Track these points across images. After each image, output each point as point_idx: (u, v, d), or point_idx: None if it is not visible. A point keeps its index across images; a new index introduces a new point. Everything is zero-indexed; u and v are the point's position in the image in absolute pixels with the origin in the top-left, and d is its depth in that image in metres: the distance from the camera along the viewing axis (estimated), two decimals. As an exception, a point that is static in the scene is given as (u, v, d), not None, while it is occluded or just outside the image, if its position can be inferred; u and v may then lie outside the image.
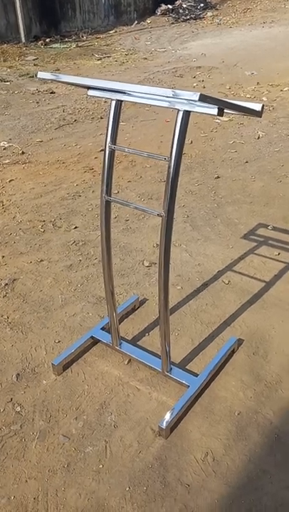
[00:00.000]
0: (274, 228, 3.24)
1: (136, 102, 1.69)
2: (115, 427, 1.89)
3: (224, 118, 5.53)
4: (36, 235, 3.22)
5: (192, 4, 12.84)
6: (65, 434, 1.86)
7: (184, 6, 12.77)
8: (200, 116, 5.54)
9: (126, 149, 1.81)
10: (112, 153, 1.75)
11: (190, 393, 1.92)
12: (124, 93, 1.67)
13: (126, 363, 2.16)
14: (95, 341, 2.27)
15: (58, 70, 8.02)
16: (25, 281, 2.74)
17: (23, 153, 4.68)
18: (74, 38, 10.62)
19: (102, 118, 5.70)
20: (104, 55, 9.07)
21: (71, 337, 2.33)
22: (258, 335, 2.30)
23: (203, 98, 1.29)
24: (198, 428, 1.87)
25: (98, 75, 7.57)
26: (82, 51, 9.50)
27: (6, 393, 2.05)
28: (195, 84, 6.91)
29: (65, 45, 9.89)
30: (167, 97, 1.45)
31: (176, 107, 1.53)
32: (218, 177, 4.04)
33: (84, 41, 10.40)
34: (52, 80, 1.69)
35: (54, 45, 9.88)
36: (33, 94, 6.70)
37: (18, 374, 2.13)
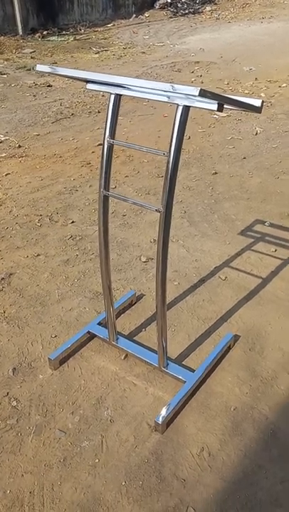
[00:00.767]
0: (271, 225, 3.24)
1: (135, 97, 1.68)
2: (111, 421, 1.89)
3: (222, 114, 5.52)
4: (33, 230, 3.20)
5: (191, -1, 12.78)
6: (61, 429, 1.87)
7: (183, 0, 12.70)
8: (198, 112, 5.52)
9: (125, 144, 1.79)
10: (110, 147, 1.74)
11: (186, 389, 1.93)
12: (123, 87, 1.66)
13: (122, 358, 2.16)
14: (91, 336, 2.27)
15: (55, 63, 7.97)
16: (21, 276, 2.73)
17: (19, 146, 4.66)
18: (72, 31, 10.56)
19: (99, 112, 5.68)
20: (102, 49, 9.02)
21: (68, 332, 2.33)
22: (254, 331, 2.31)
23: (203, 93, 1.28)
24: (194, 423, 1.87)
25: (96, 69, 7.53)
26: (79, 44, 9.44)
27: (2, 387, 2.05)
28: (193, 80, 6.88)
29: (62, 38, 9.83)
30: (167, 91, 1.44)
31: (175, 102, 1.52)
32: (215, 173, 4.04)
33: (81, 34, 10.33)
34: (50, 73, 1.67)
35: (51, 38, 9.81)
36: (30, 87, 6.66)
37: (15, 368, 2.13)
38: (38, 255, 2.92)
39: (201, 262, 2.83)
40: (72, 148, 4.63)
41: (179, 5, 12.61)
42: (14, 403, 1.97)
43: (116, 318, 2.21)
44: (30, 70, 7.40)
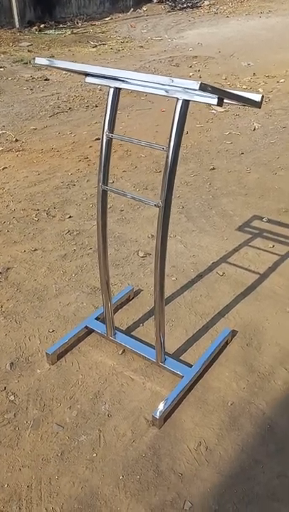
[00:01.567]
0: (269, 220, 3.24)
1: (134, 91, 1.67)
2: (109, 416, 1.89)
3: (220, 108, 5.50)
4: (30, 224, 3.19)
5: (189, -8, 12.72)
6: (58, 423, 1.87)
7: (181, -6, 12.64)
8: (196, 107, 5.51)
9: (124, 138, 1.79)
10: (109, 141, 1.73)
11: (184, 383, 1.93)
12: (123, 81, 1.65)
13: (120, 353, 2.16)
14: (89, 331, 2.26)
15: (53, 56, 7.92)
16: (19, 271, 2.73)
17: (16, 140, 4.63)
18: (69, 24, 10.49)
19: (97, 106, 5.66)
20: (100, 43, 8.97)
21: (65, 326, 2.32)
22: (251, 326, 2.31)
23: (204, 87, 1.27)
24: (192, 418, 1.88)
25: (93, 63, 7.49)
26: (77, 38, 9.39)
27: (-1, 382, 2.05)
28: (191, 74, 6.86)
29: (59, 32, 9.76)
30: (166, 85, 1.43)
31: (175, 96, 1.51)
32: (213, 168, 4.03)
33: (79, 28, 10.27)
34: (49, 66, 1.66)
35: (48, 32, 9.75)
36: (27, 80, 6.62)
37: (12, 363, 2.13)
38: (36, 250, 2.91)
39: (198, 257, 2.83)
40: (70, 143, 4.61)
41: (178, -1, 12.55)
42: (12, 397, 1.97)
43: (114, 314, 2.21)
44: (27, 63, 7.36)
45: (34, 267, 2.76)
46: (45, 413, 1.91)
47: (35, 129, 4.95)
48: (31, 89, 6.24)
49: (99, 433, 1.83)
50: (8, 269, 2.74)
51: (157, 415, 1.81)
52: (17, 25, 9.76)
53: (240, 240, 3.00)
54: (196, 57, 7.79)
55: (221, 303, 2.47)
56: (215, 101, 1.46)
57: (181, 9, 12.28)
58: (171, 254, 2.85)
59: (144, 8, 12.29)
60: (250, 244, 2.97)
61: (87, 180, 3.81)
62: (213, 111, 5.47)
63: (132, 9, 12.07)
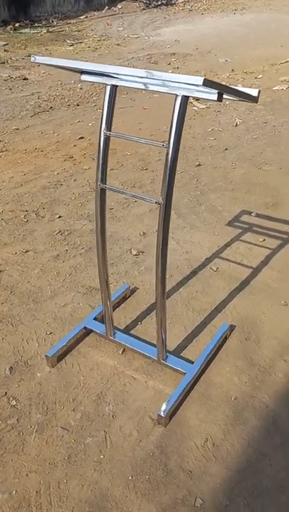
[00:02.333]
0: (257, 215, 3.27)
1: (131, 87, 1.66)
2: (114, 416, 1.88)
3: (201, 105, 5.53)
4: (19, 225, 3.15)
5: (163, -10, 12.71)
6: (63, 426, 1.85)
7: (155, -9, 12.62)
8: (177, 104, 5.51)
9: (122, 136, 1.77)
10: (107, 139, 1.72)
11: (187, 380, 1.93)
12: (119, 78, 1.63)
13: (120, 352, 2.15)
14: (87, 332, 2.24)
15: (30, 55, 7.82)
16: (11, 273, 2.69)
17: (-1, 141, 4.57)
18: (44, 23, 10.38)
19: (78, 105, 5.61)
20: (77, 41, 8.90)
21: (63, 328, 2.30)
22: (248, 320, 2.32)
23: (207, 83, 1.27)
24: (197, 414, 1.88)
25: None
26: (53, 37, 9.30)
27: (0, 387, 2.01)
28: (170, 71, 6.86)
29: (35, 31, 9.65)
30: (169, 81, 1.42)
31: (174, 92, 1.50)
32: (199, 164, 4.04)
33: (54, 26, 10.17)
34: (47, 65, 1.63)
35: (24, 31, 9.63)
36: (5, 80, 6.53)
37: (11, 367, 2.10)
38: (27, 251, 2.87)
39: (191, 253, 2.84)
40: (54, 142, 4.56)
41: (152, -4, 12.53)
42: (13, 402, 1.94)
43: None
44: (4, 63, 7.25)
45: (27, 269, 2.72)
46: (49, 417, 1.89)
47: (17, 129, 4.88)
48: (10, 89, 6.16)
49: (105, 434, 1.82)
50: (0, 271, 2.69)
51: (163, 414, 1.81)
52: (-9, 25, 9.62)
53: (231, 235, 3.02)
54: (174, 54, 7.79)
55: (217, 298, 2.47)
56: (214, 96, 1.46)
57: (155, 6, 12.27)
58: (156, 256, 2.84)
59: (119, 6, 12.24)
60: (241, 238, 2.99)
61: (74, 180, 3.78)
62: (195, 108, 5.48)
63: (106, 7, 12.00)
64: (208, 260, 2.78)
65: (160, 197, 1.65)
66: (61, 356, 2.13)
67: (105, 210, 1.87)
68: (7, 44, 8.53)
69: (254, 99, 1.58)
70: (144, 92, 6.05)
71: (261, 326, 2.29)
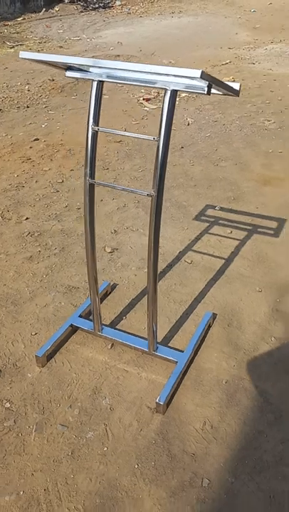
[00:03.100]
0: (221, 208, 3.38)
1: (118, 83, 1.69)
2: (111, 409, 1.90)
3: (152, 105, 5.62)
4: (-14, 229, 3.08)
5: (100, -7, 12.74)
6: (62, 423, 1.84)
7: (92, -6, 12.62)
8: (128, 104, 5.58)
9: (111, 131, 1.79)
10: (94, 135, 1.74)
11: (180, 368, 1.98)
12: (107, 73, 1.66)
13: (109, 347, 2.17)
14: (73, 330, 2.25)
15: None
16: (-15, 277, 2.63)
17: None
18: (-20, 24, 10.09)
19: (28, 107, 5.53)
20: (17, 43, 8.74)
21: (47, 328, 2.28)
22: (228, 308, 2.41)
23: (205, 76, 1.33)
24: (192, 400, 1.94)
25: (15, 64, 7.29)
26: (-9, 39, 9.06)
27: (-10, 391, 1.97)
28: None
29: (-28, 33, 9.37)
30: (163, 74, 1.47)
31: (164, 87, 1.55)
32: (158, 163, 4.11)
33: (-9, 28, 9.91)
34: (34, 60, 1.63)
35: None
36: None
37: (0, 370, 2.06)
38: (-2, 254, 2.82)
39: (164, 248, 2.90)
40: (8, 145, 4.48)
41: (89, -1, 12.53)
42: (7, 405, 1.91)
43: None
44: None
45: (0, 272, 2.67)
46: (46, 415, 1.88)
47: None
48: None
49: (105, 427, 1.83)
50: (-28, 276, 2.63)
51: (161, 401, 1.85)
52: None
53: (199, 229, 3.11)
54: (118, 56, 7.84)
55: (195, 289, 2.55)
56: (204, 90, 1.52)
57: (93, 9, 12.27)
58: (138, 248, 2.89)
59: (57, 8, 12.13)
60: (209, 231, 3.09)
61: (36, 181, 3.73)
62: (146, 108, 5.56)
63: (44, 9, 11.86)
64: (182, 254, 2.85)
65: (152, 189, 1.69)
66: (50, 355, 2.12)
67: (94, 206, 1.89)
68: None
69: (236, 93, 1.66)
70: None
71: (241, 312, 2.38)
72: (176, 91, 1.56)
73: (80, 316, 2.26)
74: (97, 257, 2.75)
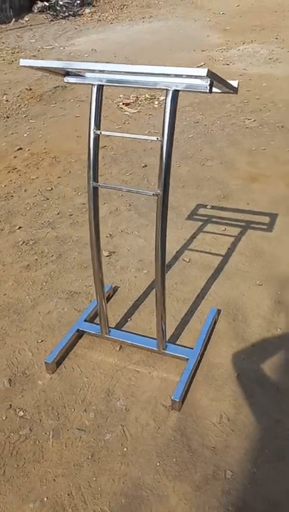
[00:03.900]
0: (213, 207, 3.42)
1: (119, 86, 1.70)
2: (127, 410, 1.91)
3: (132, 110, 5.66)
4: (-20, 240, 3.05)
5: (68, 1, 12.75)
6: (79, 428, 1.84)
7: (61, 3, 12.62)
8: (108, 110, 5.60)
9: (113, 134, 1.81)
10: (96, 138, 1.75)
11: (191, 364, 2.00)
12: (102, 77, 1.67)
13: (118, 349, 2.17)
14: (79, 335, 2.24)
15: None
16: (-16, 288, 2.60)
17: None
18: None
19: (8, 117, 5.50)
20: (-10, 55, 8.68)
21: (53, 334, 2.28)
22: (231, 303, 2.44)
23: (210, 74, 1.36)
24: (206, 395, 1.95)
25: (-10, 75, 7.24)
26: None
27: (2, 401, 1.96)
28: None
29: None
30: (169, 74, 1.48)
31: (166, 87, 1.57)
32: (145, 165, 4.14)
33: None
34: (33, 67, 1.63)
35: None
36: None
37: (10, 379, 2.04)
38: (-4, 265, 2.80)
39: (161, 248, 2.91)
40: (-8, 156, 4.44)
41: (58, 8, 12.52)
42: (21, 413, 1.90)
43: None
44: None
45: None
46: (62, 421, 1.87)
47: None
48: None
49: (122, 428, 1.84)
50: (-28, 288, 2.60)
51: (177, 398, 1.86)
52: None
53: (194, 228, 3.14)
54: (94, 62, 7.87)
55: (196, 287, 2.57)
56: (206, 88, 1.54)
57: (63, 18, 12.28)
58: (135, 250, 2.91)
59: (26, 18, 12.10)
60: (204, 230, 3.12)
61: (25, 190, 3.72)
62: (126, 113, 5.59)
63: (13, 19, 11.82)
64: (179, 253, 2.88)
65: (157, 189, 1.71)
66: (59, 361, 2.11)
67: (98, 209, 1.90)
68: None
69: (235, 90, 1.70)
70: (71, 100, 6.08)
71: (244, 307, 2.42)
72: (178, 91, 1.59)
73: (86, 321, 2.26)
74: (95, 261, 2.77)
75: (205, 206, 3.44)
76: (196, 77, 1.43)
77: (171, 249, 2.91)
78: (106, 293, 2.44)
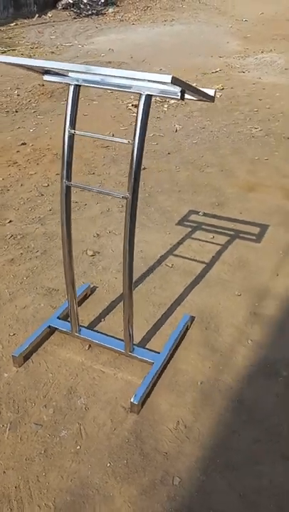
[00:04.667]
0: (204, 214, 3.42)
1: (94, 87, 1.72)
2: (86, 409, 1.92)
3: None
4: None
5: (92, 0, 12.84)
6: (36, 422, 1.86)
7: (85, 1, 12.71)
8: (118, 110, 5.62)
9: (86, 134, 1.83)
10: (71, 137, 1.77)
11: (155, 369, 2.01)
12: (83, 77, 1.69)
13: (86, 348, 2.19)
14: (51, 331, 2.26)
15: None
16: None
17: None
18: (-27, 29, 10.14)
19: (17, 112, 5.55)
20: (9, 48, 8.78)
21: (26, 329, 2.30)
22: (207, 311, 2.44)
23: (175, 81, 1.36)
24: (166, 400, 1.96)
25: (6, 68, 7.32)
26: (-16, 43, 9.11)
27: None
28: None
29: None
30: (136, 79, 1.50)
31: (138, 91, 1.59)
32: (144, 168, 4.15)
33: (-16, 33, 9.96)
34: (8, 63, 1.66)
35: None
36: None
37: (-23, 370, 2.07)
38: (-20, 256, 2.83)
39: (146, 252, 2.93)
40: (-5, 149, 4.50)
41: (82, 6, 12.60)
42: (-18, 404, 1.92)
43: (75, 310, 2.23)
44: None
45: (-18, 274, 2.68)
46: (21, 414, 1.89)
47: None
48: None
49: (79, 426, 1.85)
50: None
51: (136, 401, 1.87)
52: None
53: (182, 234, 3.14)
54: (109, 62, 7.91)
55: (175, 292, 2.58)
56: (178, 95, 1.55)
57: (86, 16, 12.36)
58: (120, 251, 2.89)
59: (50, 15, 12.21)
60: (191, 236, 3.12)
61: (21, 185, 3.76)
62: (134, 114, 5.60)
63: (36, 15, 11.93)
64: (163, 258, 2.88)
65: (126, 192, 1.72)
66: (27, 356, 2.14)
67: (70, 208, 1.92)
68: None
69: (211, 99, 1.70)
70: (82, 99, 6.12)
71: (219, 316, 2.41)
72: (151, 96, 1.60)
73: (59, 318, 2.28)
74: (78, 259, 2.80)
75: (197, 213, 3.44)
76: (163, 83, 1.44)
77: (155, 253, 2.92)
78: (83, 292, 2.47)
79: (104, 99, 5.94)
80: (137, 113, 1.61)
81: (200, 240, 3.08)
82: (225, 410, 1.92)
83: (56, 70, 1.69)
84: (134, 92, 1.62)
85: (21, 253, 2.88)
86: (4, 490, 1.63)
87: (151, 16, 12.55)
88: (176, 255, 2.91)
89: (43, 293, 2.54)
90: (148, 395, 1.96)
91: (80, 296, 2.46)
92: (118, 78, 1.59)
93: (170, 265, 2.80)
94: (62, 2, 12.73)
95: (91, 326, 2.33)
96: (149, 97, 1.59)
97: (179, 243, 3.04)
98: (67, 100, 1.74)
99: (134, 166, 1.66)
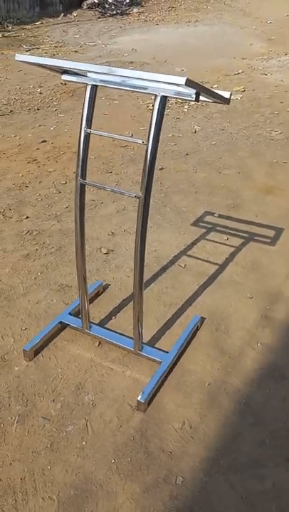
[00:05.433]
0: (220, 216, 3.42)
1: (111, 87, 1.74)
2: (93, 405, 1.94)
3: (161, 112, 5.68)
4: (-13, 226, 3.15)
5: (118, 0, 12.90)
6: (44, 416, 1.89)
7: (110, 1, 12.78)
8: (138, 110, 5.64)
9: (102, 133, 1.85)
10: (87, 136, 1.79)
11: (163, 368, 2.02)
12: (100, 78, 1.71)
13: (96, 345, 2.21)
14: (62, 327, 2.29)
15: (-14, 59, 7.75)
16: (-18, 272, 2.69)
17: None
18: (-1, 27, 10.27)
19: (38, 109, 5.62)
20: (33, 47, 8.88)
21: (38, 324, 2.33)
22: (218, 313, 2.44)
23: (189, 83, 1.37)
24: (173, 400, 1.97)
25: (30, 66, 7.40)
26: (9, 41, 9.23)
27: (-23, 382, 2.02)
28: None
29: (-10, 35, 9.54)
30: (152, 80, 1.51)
31: (154, 93, 1.60)
32: (162, 168, 4.16)
33: (10, 31, 10.09)
34: (29, 63, 1.69)
35: (-22, 34, 9.50)
36: None
37: (-12, 362, 2.11)
38: (-4, 251, 2.88)
39: (159, 251, 2.94)
40: (16, 145, 4.56)
41: (107, 6, 12.67)
42: (-8, 396, 1.96)
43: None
44: None
45: (-3, 268, 2.73)
46: (29, 408, 1.92)
47: (-22, 132, 4.84)
48: None
49: (86, 422, 1.87)
50: None
51: (142, 399, 1.88)
52: None
53: (196, 234, 3.15)
54: (131, 62, 7.94)
55: (186, 293, 2.58)
56: (192, 97, 1.56)
57: (111, 16, 12.41)
58: (133, 250, 2.93)
59: (75, 14, 12.30)
60: (206, 237, 3.12)
61: (40, 182, 3.80)
62: (154, 114, 5.61)
63: (62, 14, 12.03)
64: (176, 258, 2.89)
65: (140, 191, 1.73)
66: (38, 350, 2.17)
67: (85, 206, 1.94)
68: None
69: (226, 101, 1.71)
70: (103, 98, 6.16)
71: (229, 318, 2.41)
72: (166, 97, 1.61)
73: (70, 314, 2.30)
74: (92, 257, 2.83)
75: (213, 214, 3.43)
76: (178, 85, 1.45)
77: (169, 253, 2.93)
78: (96, 289, 2.49)
79: (125, 99, 5.96)
80: (152, 114, 1.62)
81: (214, 241, 3.08)
82: (231, 412, 1.92)
83: (74, 70, 1.71)
84: (149, 93, 1.63)
85: (36, 249, 2.92)
86: (10, 481, 1.66)
87: (176, 17, 12.54)
88: (190, 256, 2.91)
89: (56, 289, 2.57)
90: (155, 393, 1.98)
91: (92, 293, 2.48)
92: (134, 79, 1.60)
93: (183, 265, 2.81)
94: (88, 2, 12.81)
95: (102, 323, 2.35)
96: (164, 98, 1.60)
97: (193, 244, 3.04)
98: (84, 100, 1.76)
99: (147, 166, 1.68)
